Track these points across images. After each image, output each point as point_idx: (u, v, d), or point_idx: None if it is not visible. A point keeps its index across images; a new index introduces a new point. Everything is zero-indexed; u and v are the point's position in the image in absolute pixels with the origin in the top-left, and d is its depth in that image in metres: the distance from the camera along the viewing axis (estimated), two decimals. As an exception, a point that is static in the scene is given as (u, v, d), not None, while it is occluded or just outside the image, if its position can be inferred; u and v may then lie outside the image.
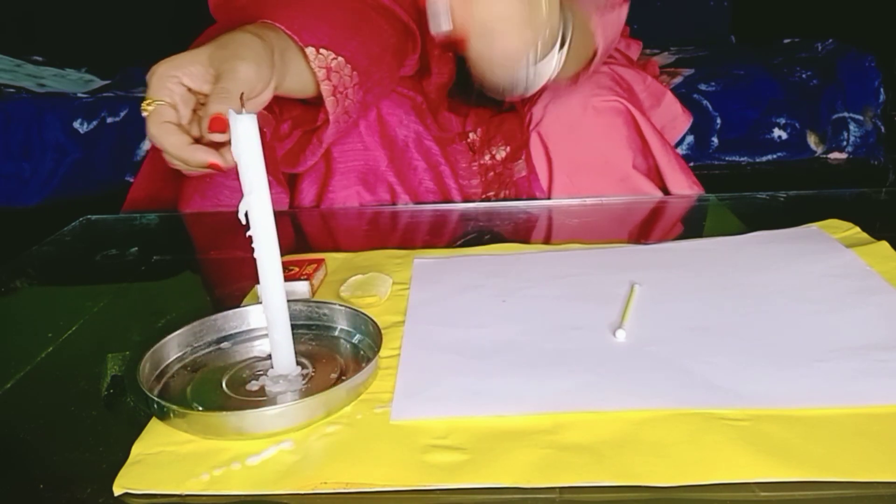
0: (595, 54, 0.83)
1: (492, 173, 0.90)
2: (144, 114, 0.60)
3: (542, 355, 0.51)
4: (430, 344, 0.53)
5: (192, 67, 0.61)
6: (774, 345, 0.50)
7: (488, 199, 0.89)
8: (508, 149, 0.90)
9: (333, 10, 0.76)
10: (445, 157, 0.87)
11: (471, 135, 0.92)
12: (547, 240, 0.71)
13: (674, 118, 1.04)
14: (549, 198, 0.87)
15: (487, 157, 0.90)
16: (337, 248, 0.71)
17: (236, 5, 0.82)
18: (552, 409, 0.45)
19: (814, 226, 0.68)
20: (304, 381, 0.48)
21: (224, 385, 0.49)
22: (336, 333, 0.55)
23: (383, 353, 0.50)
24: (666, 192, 0.87)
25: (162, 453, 0.42)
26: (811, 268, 0.60)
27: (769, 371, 0.47)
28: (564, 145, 0.87)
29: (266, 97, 0.66)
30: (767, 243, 0.66)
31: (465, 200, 0.87)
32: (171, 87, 0.61)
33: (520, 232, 0.75)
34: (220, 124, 0.58)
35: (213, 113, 0.58)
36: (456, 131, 0.92)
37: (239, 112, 0.44)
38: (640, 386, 0.46)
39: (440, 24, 0.60)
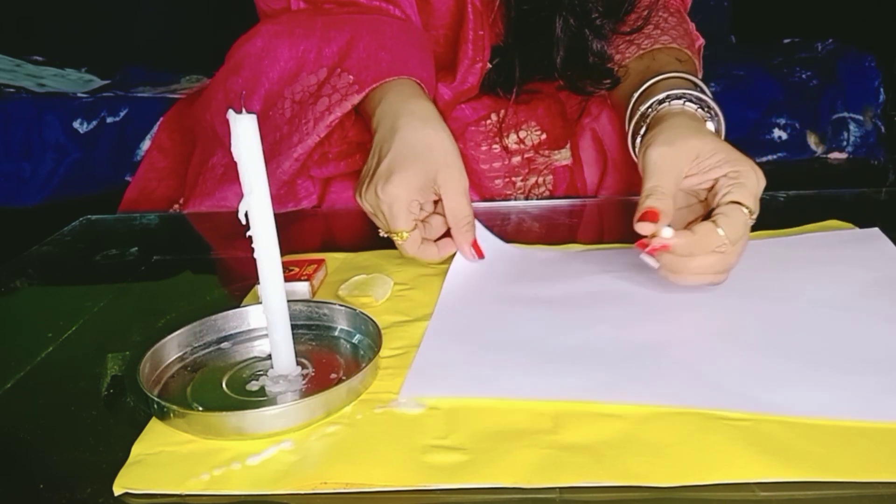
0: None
1: (519, 158, 0.88)
2: (400, 241, 0.63)
3: (557, 349, 0.52)
4: (454, 329, 0.55)
5: (426, 187, 0.63)
6: (796, 354, 0.49)
7: (513, 185, 0.89)
8: (545, 135, 0.89)
9: (421, 50, 0.80)
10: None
11: (493, 115, 0.91)
12: (552, 239, 0.71)
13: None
14: (595, 192, 0.87)
15: (513, 140, 0.88)
16: (337, 248, 0.71)
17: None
18: (556, 396, 0.45)
19: (876, 229, 0.66)
20: (304, 381, 0.48)
21: (224, 385, 0.49)
22: (336, 333, 0.55)
23: (383, 353, 0.50)
24: None
25: (162, 453, 0.42)
26: (860, 277, 0.58)
27: (781, 380, 0.46)
28: (620, 147, 0.86)
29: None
30: (824, 245, 0.64)
31: (483, 198, 0.86)
32: (414, 211, 0.63)
33: (521, 231, 0.75)
34: (479, 250, 0.65)
35: (471, 240, 0.64)
36: (469, 120, 0.91)
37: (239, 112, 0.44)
38: (647, 383, 0.47)
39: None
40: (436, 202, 0.65)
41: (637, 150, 0.67)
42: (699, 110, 0.65)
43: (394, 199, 0.62)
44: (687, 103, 0.65)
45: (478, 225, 0.66)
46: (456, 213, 0.63)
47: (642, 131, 0.66)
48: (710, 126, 0.64)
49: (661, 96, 0.66)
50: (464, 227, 0.64)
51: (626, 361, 0.50)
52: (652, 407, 0.44)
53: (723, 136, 0.66)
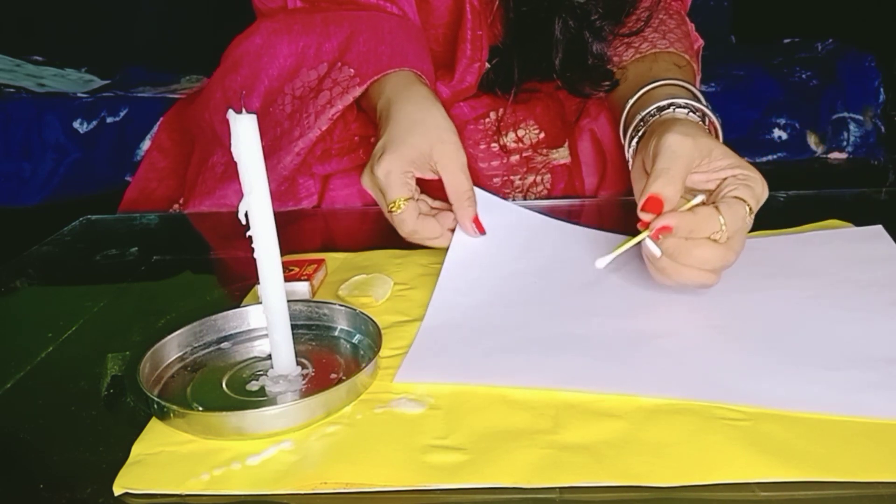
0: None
1: (517, 156, 0.88)
2: (397, 212, 0.63)
3: (555, 337, 0.52)
4: (452, 315, 0.56)
5: (420, 161, 0.64)
6: (792, 349, 0.49)
7: (511, 184, 0.89)
8: (543, 134, 0.89)
9: (420, 46, 0.81)
10: None
11: (491, 113, 0.91)
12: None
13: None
14: (594, 193, 0.86)
15: (511, 138, 0.89)
16: (337, 248, 0.71)
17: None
18: (553, 385, 0.46)
19: (879, 227, 0.66)
20: (304, 381, 0.48)
21: (224, 385, 0.49)
22: (336, 333, 0.55)
23: (383, 353, 0.50)
24: None
25: (162, 453, 0.42)
26: (860, 275, 0.59)
27: (778, 373, 0.47)
28: (619, 149, 0.86)
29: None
30: (826, 243, 0.65)
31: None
32: (409, 181, 0.64)
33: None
34: (480, 226, 0.65)
35: (472, 216, 0.64)
36: (468, 118, 0.91)
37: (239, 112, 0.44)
38: (645, 374, 0.47)
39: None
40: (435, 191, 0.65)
41: (632, 149, 0.67)
42: (700, 122, 0.65)
43: (387, 172, 0.63)
44: (690, 114, 0.65)
45: (481, 193, 0.67)
46: (455, 189, 0.64)
47: (640, 132, 0.66)
48: None
49: (664, 102, 0.66)
50: (465, 203, 0.64)
51: (623, 353, 0.50)
52: (651, 404, 0.44)
53: None
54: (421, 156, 0.63)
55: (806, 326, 0.52)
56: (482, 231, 0.64)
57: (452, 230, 0.65)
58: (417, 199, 0.65)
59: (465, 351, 0.52)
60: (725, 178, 0.56)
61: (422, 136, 0.64)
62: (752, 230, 0.59)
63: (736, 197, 0.54)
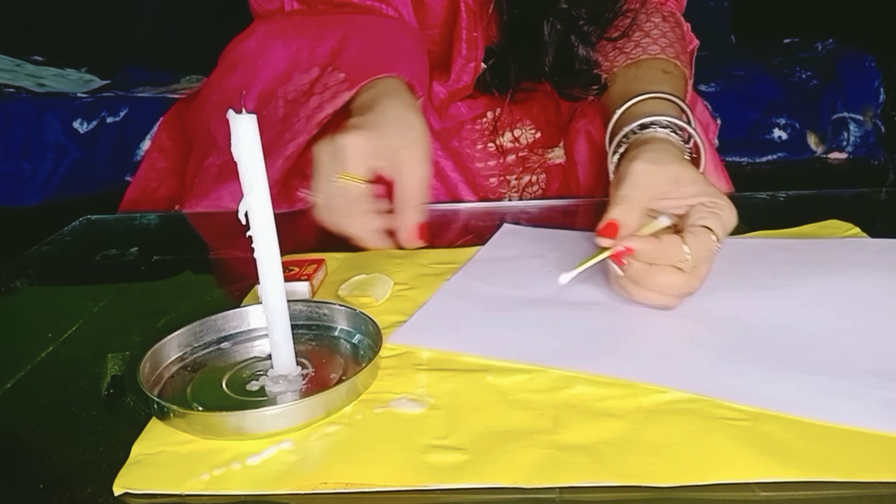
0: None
1: (513, 156, 0.88)
2: (350, 181, 0.60)
3: (559, 322, 0.54)
4: (464, 294, 0.59)
5: (386, 156, 0.61)
6: (792, 352, 0.49)
7: (507, 184, 0.88)
8: (539, 134, 0.89)
9: (415, 48, 0.80)
10: (448, 151, 0.85)
11: (489, 113, 0.90)
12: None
13: (706, 126, 1.02)
14: (592, 193, 0.86)
15: (508, 138, 0.89)
16: (337, 248, 0.71)
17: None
18: (549, 363, 0.48)
19: None
20: (304, 381, 0.49)
21: (224, 385, 0.49)
22: (336, 333, 0.55)
23: (383, 353, 0.50)
24: None
25: (162, 453, 0.42)
26: (887, 284, 0.58)
27: (778, 376, 0.47)
28: None
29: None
30: (860, 250, 0.64)
31: (481, 199, 0.85)
32: (373, 164, 0.61)
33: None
34: (423, 234, 0.61)
35: (414, 222, 0.60)
36: (466, 118, 0.91)
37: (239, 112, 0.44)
38: (645, 362, 0.48)
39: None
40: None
41: (613, 165, 0.67)
42: (681, 142, 0.65)
43: (355, 145, 0.60)
44: (672, 134, 0.64)
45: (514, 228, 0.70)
46: (405, 196, 0.61)
47: (622, 150, 0.66)
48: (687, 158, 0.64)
49: (646, 120, 0.65)
50: (408, 209, 0.61)
51: (622, 346, 0.51)
52: (651, 403, 0.44)
53: (702, 167, 0.65)
54: (388, 151, 0.61)
55: (814, 334, 0.52)
56: (424, 239, 0.61)
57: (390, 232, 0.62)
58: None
59: (464, 324, 0.54)
60: (694, 206, 0.56)
61: (397, 134, 0.62)
62: (753, 230, 0.59)
63: (703, 226, 0.54)
